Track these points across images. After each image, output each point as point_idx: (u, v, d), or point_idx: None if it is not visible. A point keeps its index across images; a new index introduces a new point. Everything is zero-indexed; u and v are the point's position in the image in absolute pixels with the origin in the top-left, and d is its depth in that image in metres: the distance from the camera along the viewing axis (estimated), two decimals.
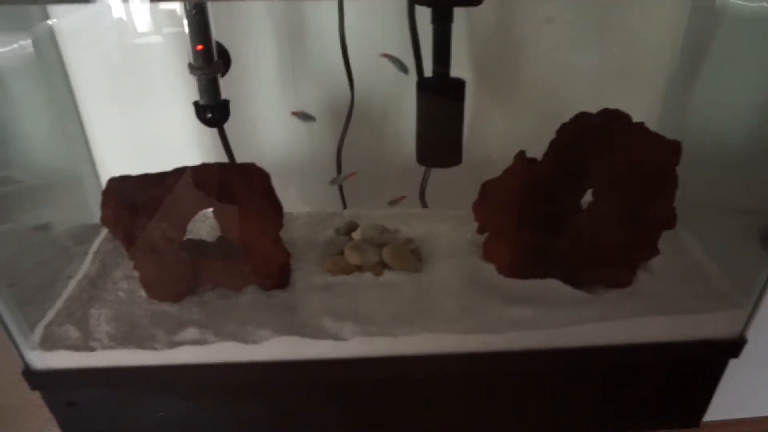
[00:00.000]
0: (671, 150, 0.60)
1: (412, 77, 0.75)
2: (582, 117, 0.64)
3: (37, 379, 0.62)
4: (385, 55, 0.69)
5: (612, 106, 0.64)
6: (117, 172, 0.64)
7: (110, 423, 0.67)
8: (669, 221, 0.64)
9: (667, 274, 0.68)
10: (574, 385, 0.67)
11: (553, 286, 0.67)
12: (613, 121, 0.63)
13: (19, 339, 0.61)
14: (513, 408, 0.69)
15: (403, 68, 0.71)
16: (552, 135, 0.66)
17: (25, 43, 0.77)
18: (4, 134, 0.79)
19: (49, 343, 0.62)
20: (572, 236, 0.67)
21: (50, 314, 0.65)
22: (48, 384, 0.63)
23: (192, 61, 0.69)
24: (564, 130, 0.65)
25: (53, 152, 0.83)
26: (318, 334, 0.62)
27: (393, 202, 0.72)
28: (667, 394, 0.68)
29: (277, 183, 0.68)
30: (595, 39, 0.81)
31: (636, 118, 0.63)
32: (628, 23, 0.80)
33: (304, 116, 0.65)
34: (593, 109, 0.65)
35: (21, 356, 0.62)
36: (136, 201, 0.63)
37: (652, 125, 0.63)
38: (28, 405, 0.65)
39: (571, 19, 0.79)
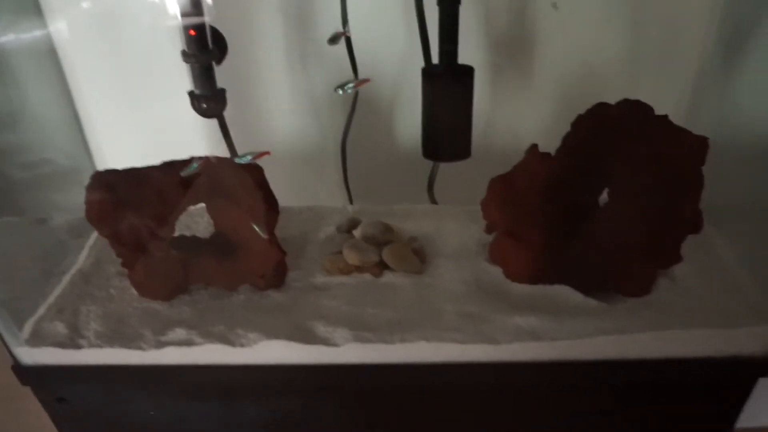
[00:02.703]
0: (697, 146, 0.54)
1: (419, 64, 0.70)
2: (599, 108, 0.59)
3: (26, 374, 0.61)
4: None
5: (636, 96, 0.58)
6: (115, 162, 0.62)
7: (101, 420, 0.66)
8: (694, 224, 0.57)
9: (691, 282, 0.62)
10: (583, 402, 0.62)
11: (563, 292, 0.62)
12: (633, 113, 0.57)
13: (7, 335, 0.60)
14: (515, 423, 0.65)
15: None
16: (568, 127, 0.61)
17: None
18: (6, 124, 0.78)
19: (37, 339, 0.61)
20: (586, 239, 0.61)
21: (41, 310, 0.64)
22: (37, 380, 0.62)
23: (185, 47, 0.66)
24: (580, 122, 0.60)
25: (50, 143, 0.81)
26: (309, 338, 0.59)
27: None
28: (687, 415, 0.62)
29: (279, 175, 0.65)
30: (620, 21, 0.74)
31: (664, 109, 0.57)
32: (657, 3, 0.73)
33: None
34: (615, 100, 0.59)
35: (9, 351, 0.61)
36: (122, 196, 0.61)
37: (681, 118, 0.57)
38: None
39: None
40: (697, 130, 0.56)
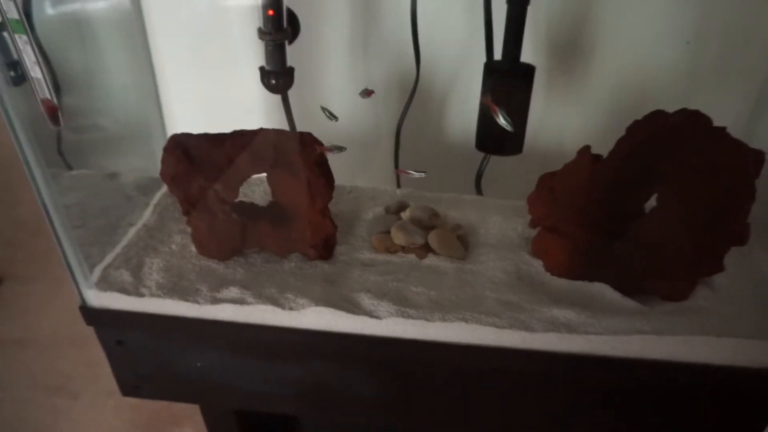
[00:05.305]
0: (752, 160, 0.55)
1: (482, 58, 0.72)
2: (657, 115, 0.60)
3: (91, 315, 0.67)
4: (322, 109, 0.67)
5: (694, 105, 0.59)
6: (183, 128, 0.67)
7: (153, 365, 0.71)
8: (740, 237, 0.58)
9: (730, 292, 0.63)
10: (612, 397, 0.64)
11: (602, 290, 0.64)
12: (690, 122, 0.58)
13: (79, 277, 0.65)
14: (541, 411, 0.67)
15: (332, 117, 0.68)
16: (621, 131, 0.62)
17: None
18: (85, 82, 0.83)
19: (104, 284, 0.66)
20: (630, 241, 0.63)
21: (109, 257, 0.69)
22: (101, 321, 0.67)
23: (262, 25, 0.70)
24: (635, 127, 0.61)
25: (127, 103, 0.87)
26: (354, 309, 0.63)
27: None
28: (714, 422, 0.64)
29: (332, 154, 0.69)
30: (687, 32, 0.75)
31: (722, 121, 0.58)
32: (727, 17, 0.73)
33: (336, 148, 0.64)
34: (672, 108, 0.60)
35: (79, 292, 0.66)
36: (194, 159, 0.65)
37: (738, 130, 0.58)
38: (93, 340, 0.72)
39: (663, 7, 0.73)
40: (756, 144, 0.57)
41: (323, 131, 0.68)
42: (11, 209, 1.74)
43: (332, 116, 0.65)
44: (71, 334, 1.37)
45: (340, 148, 0.62)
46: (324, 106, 0.66)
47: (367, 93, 0.68)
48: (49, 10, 0.76)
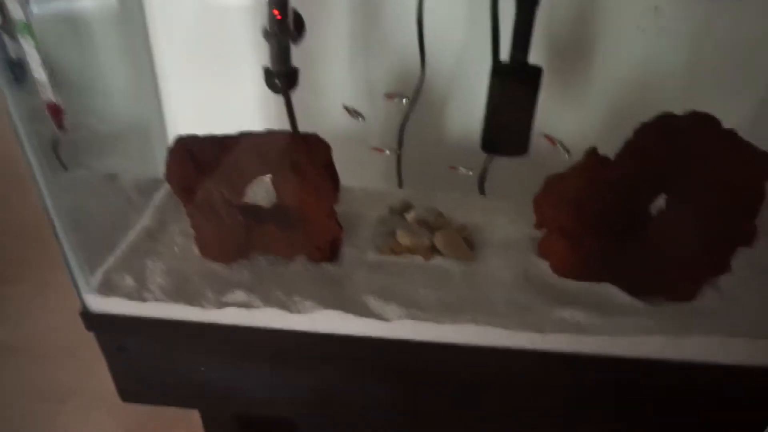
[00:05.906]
0: (761, 163, 0.55)
1: (487, 60, 0.72)
2: (665, 118, 0.60)
3: (92, 320, 0.65)
4: (345, 109, 0.66)
5: (701, 106, 0.59)
6: (184, 128, 0.66)
7: (155, 371, 0.69)
8: (747, 238, 0.59)
9: (736, 293, 0.64)
10: (619, 396, 0.64)
11: (609, 291, 0.64)
12: (700, 125, 0.59)
13: (80, 281, 0.64)
14: (551, 411, 0.67)
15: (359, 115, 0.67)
16: (628, 133, 0.63)
17: None
18: (84, 82, 0.81)
19: (106, 288, 0.65)
20: (637, 242, 0.63)
21: (110, 261, 0.68)
22: (102, 327, 0.66)
23: (267, 26, 0.69)
24: (643, 130, 0.61)
25: (127, 104, 0.85)
26: (362, 311, 0.62)
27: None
28: (719, 420, 0.64)
29: (336, 155, 0.68)
30: (692, 31, 0.75)
31: (728, 120, 0.58)
32: (732, 17, 0.74)
33: (354, 113, 0.63)
34: (675, 107, 0.60)
35: (80, 297, 0.64)
36: (199, 161, 0.64)
37: (745, 130, 0.58)
38: (82, 343, 0.70)
39: (669, 9, 0.74)
40: (760, 142, 0.57)
41: (326, 133, 0.67)
42: None
43: (358, 114, 0.64)
44: (61, 338, 1.34)
45: (396, 151, 0.61)
46: (346, 104, 0.65)
47: (397, 97, 0.67)
48: (45, 9, 0.75)
